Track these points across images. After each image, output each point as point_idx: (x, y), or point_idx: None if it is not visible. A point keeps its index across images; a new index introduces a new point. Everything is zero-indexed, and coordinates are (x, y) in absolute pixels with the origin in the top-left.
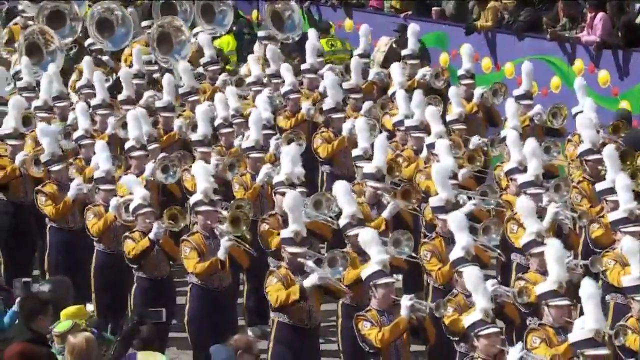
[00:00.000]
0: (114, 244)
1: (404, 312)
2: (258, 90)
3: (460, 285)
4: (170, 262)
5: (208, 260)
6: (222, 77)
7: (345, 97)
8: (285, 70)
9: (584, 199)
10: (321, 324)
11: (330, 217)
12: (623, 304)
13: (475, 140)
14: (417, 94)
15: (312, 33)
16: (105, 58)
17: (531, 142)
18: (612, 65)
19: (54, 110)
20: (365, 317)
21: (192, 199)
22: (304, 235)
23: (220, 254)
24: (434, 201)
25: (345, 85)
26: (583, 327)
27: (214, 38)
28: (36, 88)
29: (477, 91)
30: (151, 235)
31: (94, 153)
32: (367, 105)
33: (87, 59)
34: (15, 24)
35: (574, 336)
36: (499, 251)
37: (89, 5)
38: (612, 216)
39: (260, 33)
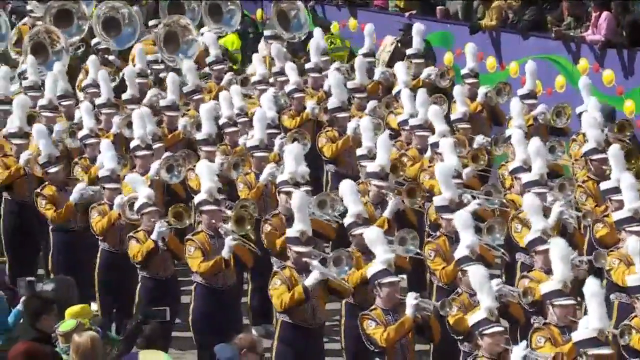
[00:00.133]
0: (118, 243)
1: (409, 311)
2: (263, 89)
3: (465, 284)
4: (175, 261)
5: (212, 260)
6: (228, 76)
7: (349, 96)
8: (290, 69)
9: (589, 198)
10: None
11: (335, 216)
12: (627, 304)
13: (479, 140)
14: (421, 93)
15: (317, 32)
16: (111, 57)
17: (536, 142)
18: (617, 64)
19: (59, 109)
20: (370, 316)
21: (197, 198)
22: (310, 235)
23: (225, 253)
24: (438, 200)
25: (350, 84)
26: (587, 326)
27: (218, 37)
28: (42, 87)
29: (481, 90)
30: (153, 236)
31: (99, 152)
32: (371, 104)
33: (92, 58)
34: (24, 24)
35: (577, 335)
36: (503, 250)
37: (96, 5)
38: (616, 215)
39: (266, 32)
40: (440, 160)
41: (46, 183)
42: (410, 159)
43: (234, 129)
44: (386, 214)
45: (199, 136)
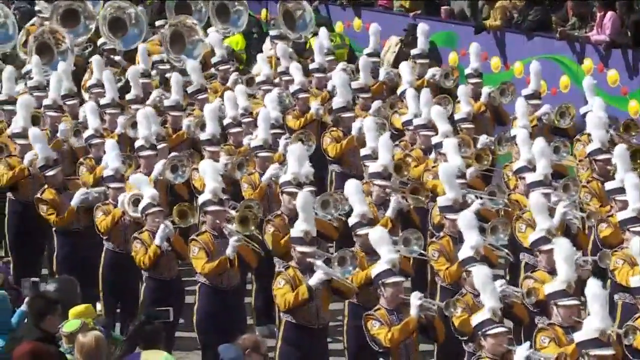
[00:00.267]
0: (123, 242)
1: (413, 311)
2: (268, 90)
3: (469, 284)
4: (178, 262)
5: (216, 260)
6: (233, 76)
7: (354, 96)
8: (295, 70)
9: (593, 198)
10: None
11: (339, 214)
12: (631, 304)
13: (483, 140)
14: (425, 93)
15: (321, 32)
16: (117, 58)
17: (540, 142)
18: (622, 64)
19: (63, 108)
20: (374, 317)
21: (201, 199)
22: (314, 235)
23: (229, 252)
24: (441, 201)
25: (354, 84)
26: (589, 327)
27: (223, 37)
28: (46, 87)
29: (485, 90)
30: (156, 241)
31: (104, 152)
32: (376, 104)
33: (96, 58)
34: (33, 24)
35: (579, 336)
36: (506, 251)
37: (102, 5)
38: (620, 215)
39: (272, 32)
40: (444, 161)
41: (45, 187)
42: (415, 159)
43: (238, 129)
44: (388, 213)
45: (203, 136)
